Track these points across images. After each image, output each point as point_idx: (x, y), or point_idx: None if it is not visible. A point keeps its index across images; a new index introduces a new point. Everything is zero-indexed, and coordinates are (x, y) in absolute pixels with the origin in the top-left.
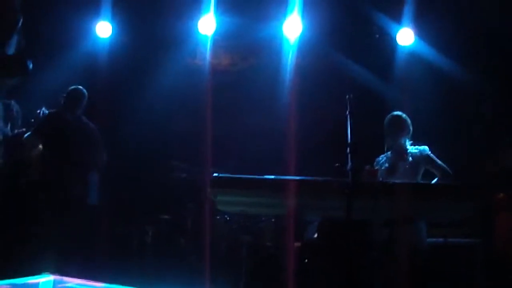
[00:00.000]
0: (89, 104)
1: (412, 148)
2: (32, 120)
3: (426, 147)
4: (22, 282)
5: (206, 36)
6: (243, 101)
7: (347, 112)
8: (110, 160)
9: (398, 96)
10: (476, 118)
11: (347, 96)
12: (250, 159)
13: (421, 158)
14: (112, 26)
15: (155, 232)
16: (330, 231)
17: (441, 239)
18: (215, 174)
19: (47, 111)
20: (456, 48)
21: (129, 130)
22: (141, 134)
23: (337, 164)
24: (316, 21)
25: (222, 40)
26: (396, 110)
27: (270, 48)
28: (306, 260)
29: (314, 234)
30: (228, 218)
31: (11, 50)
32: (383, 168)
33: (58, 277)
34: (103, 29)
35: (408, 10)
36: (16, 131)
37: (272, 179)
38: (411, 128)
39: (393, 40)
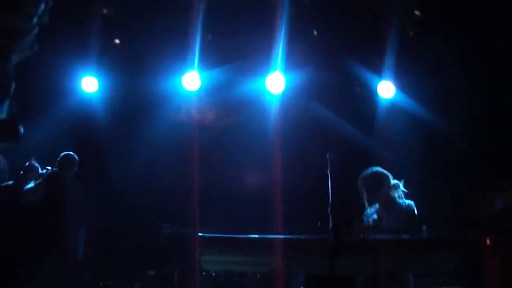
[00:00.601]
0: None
1: (400, 200)
2: (22, 172)
3: (412, 203)
4: None
5: (190, 92)
6: (227, 157)
7: (328, 171)
8: (96, 215)
9: (380, 148)
10: (457, 166)
11: (327, 155)
12: (235, 215)
13: (406, 212)
14: (98, 81)
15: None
16: (315, 286)
17: None
18: (200, 234)
19: (36, 164)
20: (435, 99)
21: (115, 185)
22: (127, 190)
23: (318, 223)
24: (298, 76)
25: (207, 96)
26: (378, 163)
27: (254, 104)
28: None
29: None
30: (214, 274)
31: (2, 114)
32: (370, 220)
33: None
34: (89, 84)
35: (388, 64)
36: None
37: (255, 238)
38: (389, 181)
39: (374, 93)
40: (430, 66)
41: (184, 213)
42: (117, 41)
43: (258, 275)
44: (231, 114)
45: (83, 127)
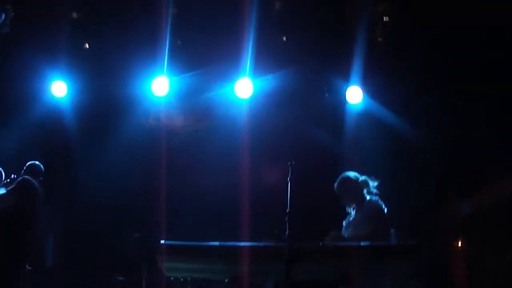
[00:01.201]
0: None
1: (368, 196)
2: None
3: (379, 200)
4: None
5: (159, 97)
6: (196, 162)
7: (288, 179)
8: (65, 221)
9: (349, 153)
10: (424, 172)
11: (289, 163)
12: (202, 222)
13: (374, 208)
14: (68, 85)
15: None
16: None
17: None
18: (161, 241)
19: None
20: (404, 105)
21: (83, 191)
22: (95, 195)
23: (276, 231)
24: (267, 81)
25: (176, 101)
26: (346, 168)
27: (223, 109)
28: None
29: None
30: (182, 280)
31: None
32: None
33: None
34: (59, 88)
35: (356, 69)
36: None
37: (216, 245)
38: (360, 185)
39: (342, 99)
40: (398, 71)
41: (152, 219)
42: (86, 45)
43: (226, 280)
44: (199, 119)
45: (52, 132)
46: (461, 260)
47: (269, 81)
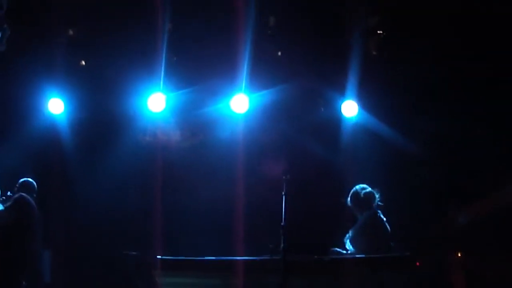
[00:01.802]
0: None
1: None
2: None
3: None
4: None
5: (156, 113)
6: (192, 178)
7: (283, 193)
8: (62, 238)
9: (344, 167)
10: (420, 185)
11: (283, 177)
12: (198, 236)
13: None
14: (64, 102)
15: None
16: None
17: None
18: (158, 257)
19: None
20: (398, 118)
21: (79, 207)
22: (91, 211)
23: (271, 245)
24: (262, 96)
25: (172, 117)
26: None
27: (219, 124)
28: None
29: None
30: None
31: None
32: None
33: None
34: (55, 105)
35: (351, 83)
36: None
37: (212, 260)
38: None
39: (338, 113)
40: (393, 84)
41: (148, 234)
42: (82, 62)
43: None
44: (196, 135)
45: (48, 149)
46: (459, 270)
47: (265, 96)
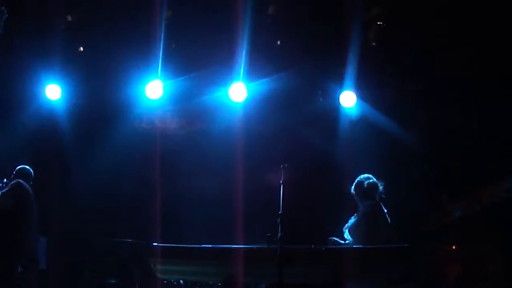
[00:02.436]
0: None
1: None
2: None
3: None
4: None
5: (153, 100)
6: (189, 165)
7: (281, 182)
8: (58, 224)
9: (342, 157)
10: (417, 174)
11: (281, 166)
12: (196, 224)
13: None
14: (62, 88)
15: None
16: None
17: None
18: (153, 244)
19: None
20: (396, 109)
21: (76, 193)
22: (88, 198)
23: (268, 234)
24: (261, 85)
25: (169, 104)
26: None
27: (216, 112)
28: None
29: None
30: (175, 283)
31: None
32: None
33: None
34: (53, 91)
35: (349, 73)
36: None
37: (209, 248)
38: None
39: (336, 103)
40: (392, 75)
41: (145, 221)
42: (80, 48)
43: (219, 284)
44: (193, 122)
45: (45, 135)
46: (454, 263)
47: (263, 85)
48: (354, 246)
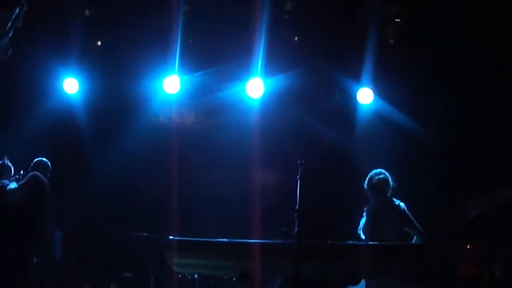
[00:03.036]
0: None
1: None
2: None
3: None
4: None
5: (171, 95)
6: (206, 160)
7: (298, 177)
8: (74, 217)
9: (359, 153)
10: (434, 172)
11: (298, 162)
12: (212, 220)
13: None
14: (79, 82)
15: None
16: None
17: None
18: (170, 237)
19: (9, 163)
20: (414, 106)
21: (94, 187)
22: (106, 192)
23: (285, 229)
24: (278, 81)
25: (187, 99)
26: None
27: (233, 108)
28: None
29: None
30: (189, 277)
31: None
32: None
33: None
34: (70, 85)
35: (367, 70)
36: None
37: (225, 242)
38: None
39: (353, 99)
40: (409, 73)
41: (162, 216)
42: (98, 43)
43: (234, 279)
44: (210, 118)
45: (63, 128)
46: (468, 262)
47: (280, 81)
48: (369, 243)
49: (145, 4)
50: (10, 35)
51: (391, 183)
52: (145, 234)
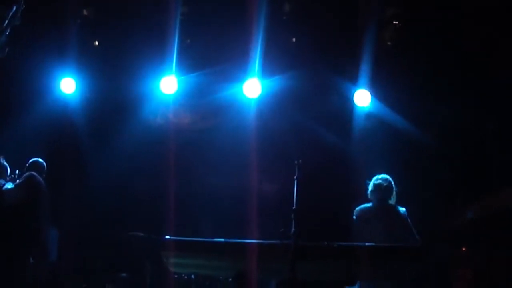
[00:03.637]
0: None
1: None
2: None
3: (404, 209)
4: None
5: (168, 95)
6: (203, 161)
7: (295, 177)
8: (70, 217)
9: (356, 155)
10: (431, 175)
11: (295, 162)
12: (209, 220)
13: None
14: (76, 82)
15: None
16: None
17: None
18: (166, 237)
19: (5, 163)
20: (411, 108)
21: (89, 186)
22: (101, 192)
23: (282, 229)
24: (275, 82)
25: (184, 99)
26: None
27: (231, 108)
28: None
29: None
30: (186, 277)
31: None
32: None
33: None
34: (67, 85)
35: (364, 72)
36: None
37: (221, 242)
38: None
39: (350, 101)
40: (406, 75)
41: (158, 216)
42: (96, 43)
43: (230, 279)
44: (207, 118)
45: (60, 128)
46: (465, 265)
47: (277, 82)
48: (366, 244)
49: (142, 4)
50: (7, 33)
51: (394, 188)
52: (141, 234)
